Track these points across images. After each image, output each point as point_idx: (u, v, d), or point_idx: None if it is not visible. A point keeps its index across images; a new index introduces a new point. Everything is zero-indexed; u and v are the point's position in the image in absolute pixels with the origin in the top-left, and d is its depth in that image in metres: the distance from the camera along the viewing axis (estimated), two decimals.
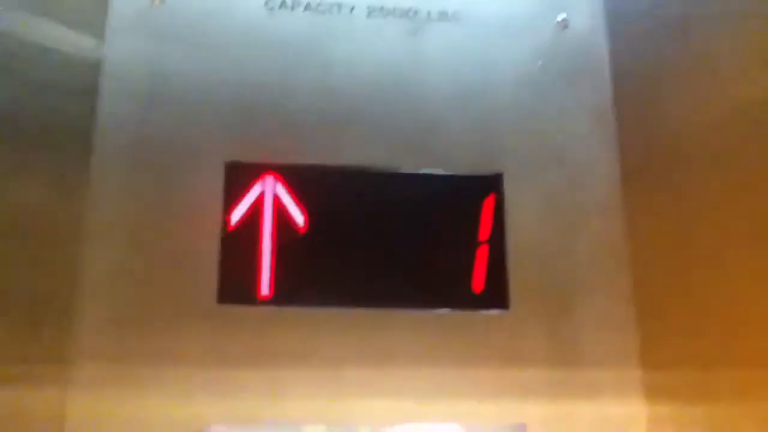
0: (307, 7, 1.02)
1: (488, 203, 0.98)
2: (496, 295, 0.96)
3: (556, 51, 1.06)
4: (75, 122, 0.93)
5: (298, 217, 0.94)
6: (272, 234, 0.93)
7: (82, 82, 0.95)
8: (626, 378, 0.94)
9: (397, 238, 0.96)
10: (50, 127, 0.92)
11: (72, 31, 0.96)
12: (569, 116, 1.04)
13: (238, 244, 0.92)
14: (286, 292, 0.92)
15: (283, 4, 1.02)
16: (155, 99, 0.96)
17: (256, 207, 0.94)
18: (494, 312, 0.95)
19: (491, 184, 0.99)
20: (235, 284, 0.91)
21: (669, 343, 0.95)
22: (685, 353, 0.92)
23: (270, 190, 0.95)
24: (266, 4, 1.02)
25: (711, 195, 1.01)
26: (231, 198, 0.93)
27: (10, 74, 0.92)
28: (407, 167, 0.99)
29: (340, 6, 1.03)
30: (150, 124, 0.95)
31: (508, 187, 0.99)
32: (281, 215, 0.94)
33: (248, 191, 0.94)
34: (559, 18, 1.07)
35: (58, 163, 0.91)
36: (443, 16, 1.05)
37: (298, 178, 0.95)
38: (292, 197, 0.95)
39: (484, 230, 0.97)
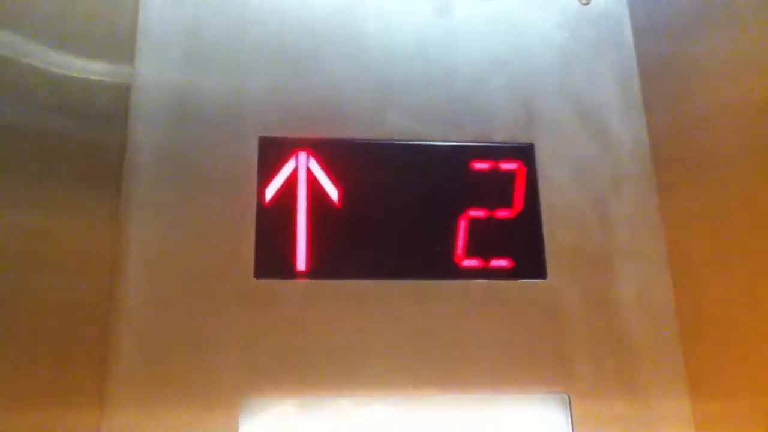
0: None
1: (521, 173, 0.98)
2: (533, 265, 0.95)
3: (581, 23, 1.07)
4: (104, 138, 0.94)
5: (332, 192, 0.94)
6: (307, 209, 0.93)
7: (111, 105, 0.95)
8: (666, 340, 0.93)
9: (430, 209, 0.96)
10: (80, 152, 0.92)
11: (101, 60, 0.96)
12: (597, 86, 1.04)
13: (274, 219, 0.92)
14: (322, 267, 0.91)
15: None
16: (189, 84, 0.97)
17: (291, 183, 0.94)
18: (532, 281, 0.94)
19: (524, 154, 0.99)
20: (271, 259, 0.90)
21: (704, 295, 0.95)
22: (719, 295, 0.92)
23: (303, 165, 0.95)
24: None
25: (739, 158, 1.01)
26: (265, 173, 0.94)
27: (38, 104, 0.93)
28: (440, 138, 0.99)
29: None
30: (184, 99, 0.95)
31: (541, 157, 0.99)
32: (315, 190, 0.94)
33: (282, 167, 0.94)
34: None
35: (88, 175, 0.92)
36: None
37: (330, 153, 0.96)
38: (326, 172, 0.95)
39: (518, 200, 0.97)
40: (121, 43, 0.97)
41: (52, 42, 0.95)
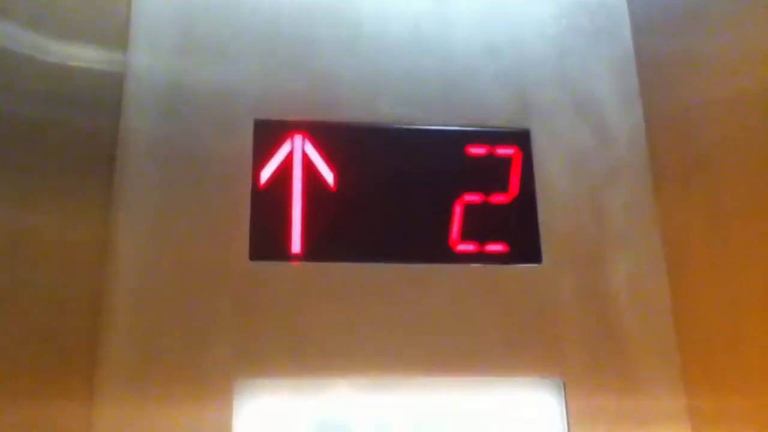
0: None
1: (517, 158, 0.98)
2: (529, 250, 0.95)
3: (578, 14, 1.08)
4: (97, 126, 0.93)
5: (328, 175, 0.94)
6: (302, 192, 0.93)
7: (105, 93, 0.95)
8: (660, 328, 0.93)
9: (426, 193, 0.95)
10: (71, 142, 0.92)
11: (93, 48, 0.96)
12: (594, 76, 1.04)
13: (269, 202, 0.92)
14: (317, 249, 0.91)
15: None
16: (183, 70, 0.96)
17: (286, 165, 0.94)
18: (527, 266, 0.94)
19: (520, 139, 0.99)
20: (266, 241, 0.90)
21: (699, 286, 0.95)
22: (714, 286, 0.92)
23: (299, 148, 0.94)
24: None
25: (736, 151, 1.01)
26: (261, 156, 0.93)
27: (30, 93, 0.92)
28: (435, 123, 0.99)
29: None
30: (179, 83, 0.95)
31: (537, 143, 0.99)
32: (310, 173, 0.94)
33: (277, 149, 0.94)
34: None
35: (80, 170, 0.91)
36: None
37: (326, 137, 0.95)
38: (321, 155, 0.95)
39: (514, 185, 0.97)
40: (114, 31, 0.97)
41: (44, 30, 0.95)
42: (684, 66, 1.07)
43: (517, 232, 0.96)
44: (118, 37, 0.97)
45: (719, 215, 0.99)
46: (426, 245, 0.94)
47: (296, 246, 0.91)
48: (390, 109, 0.98)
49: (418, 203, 0.95)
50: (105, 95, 0.94)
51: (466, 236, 0.95)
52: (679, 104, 1.05)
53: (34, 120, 0.91)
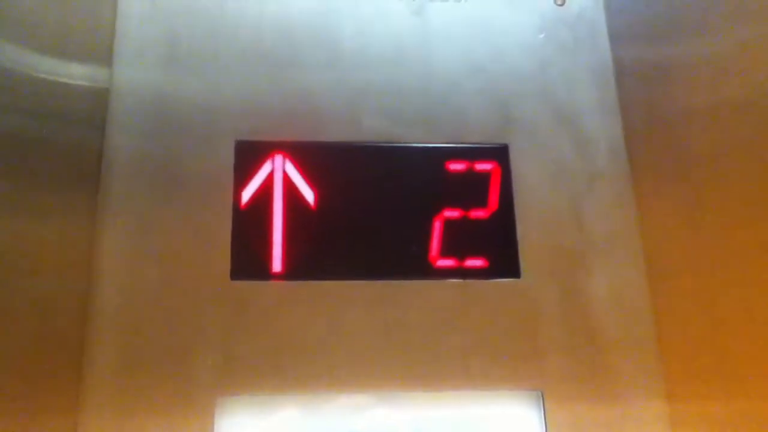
0: None
1: (496, 174, 0.99)
2: (508, 264, 0.96)
3: (557, 26, 1.09)
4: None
5: (308, 194, 0.96)
6: (283, 211, 0.94)
7: (89, 109, 0.96)
8: (641, 337, 0.94)
9: (405, 210, 0.97)
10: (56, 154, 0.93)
11: (78, 64, 0.97)
12: (573, 88, 1.05)
13: (250, 221, 0.93)
14: (298, 268, 0.93)
15: None
16: (167, 88, 0.98)
17: (267, 185, 0.95)
18: (506, 280, 0.96)
19: (499, 154, 1.00)
20: (247, 261, 0.92)
21: (680, 294, 0.96)
22: (695, 294, 0.94)
23: (279, 168, 0.96)
24: None
25: (715, 159, 1.02)
26: (242, 176, 0.95)
27: (14, 108, 0.94)
28: (416, 140, 1.00)
29: None
30: (162, 101, 0.97)
31: (516, 157, 1.00)
32: (291, 193, 0.95)
33: (258, 170, 0.95)
34: None
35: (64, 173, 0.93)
36: None
37: (306, 156, 0.97)
38: (302, 175, 0.96)
39: (493, 200, 0.98)
40: (99, 48, 0.99)
41: (29, 46, 0.96)
42: (663, 75, 1.08)
43: (496, 247, 0.97)
44: (103, 53, 0.98)
45: (700, 224, 1.00)
46: (406, 261, 0.95)
47: (277, 265, 0.92)
48: (371, 126, 1.00)
49: (398, 220, 0.96)
50: (90, 111, 0.95)
51: (446, 251, 0.96)
52: (658, 114, 1.06)
53: (20, 134, 0.92)
